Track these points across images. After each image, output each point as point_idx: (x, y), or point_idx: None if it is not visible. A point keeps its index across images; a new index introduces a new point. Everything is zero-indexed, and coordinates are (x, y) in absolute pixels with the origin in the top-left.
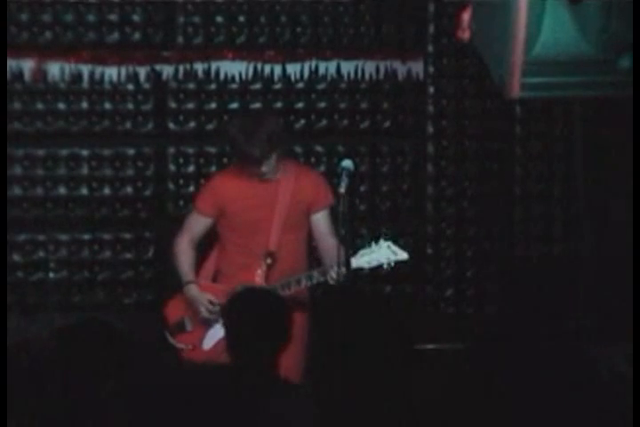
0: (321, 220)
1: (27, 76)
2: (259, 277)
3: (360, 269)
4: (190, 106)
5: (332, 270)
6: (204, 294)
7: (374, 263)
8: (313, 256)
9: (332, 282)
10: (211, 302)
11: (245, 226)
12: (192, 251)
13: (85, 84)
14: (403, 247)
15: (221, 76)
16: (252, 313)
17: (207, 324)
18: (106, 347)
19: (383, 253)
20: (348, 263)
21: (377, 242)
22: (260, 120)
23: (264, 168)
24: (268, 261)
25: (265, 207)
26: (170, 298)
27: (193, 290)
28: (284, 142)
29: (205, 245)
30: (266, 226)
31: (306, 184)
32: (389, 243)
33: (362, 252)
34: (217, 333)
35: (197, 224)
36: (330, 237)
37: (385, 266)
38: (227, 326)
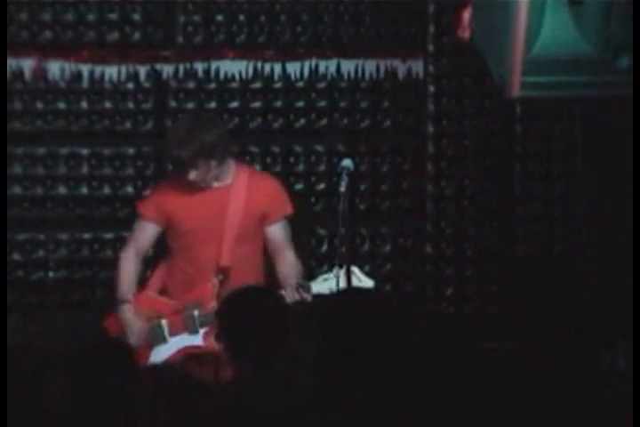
0: (276, 232)
1: (27, 75)
2: (208, 295)
3: (320, 296)
4: (190, 105)
5: (287, 294)
6: (136, 320)
7: (335, 290)
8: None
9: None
10: (141, 331)
11: (192, 236)
12: (135, 265)
13: (85, 83)
14: (369, 275)
15: (221, 75)
16: (246, 312)
17: (150, 342)
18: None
19: (346, 280)
20: (308, 288)
21: (341, 267)
22: (196, 127)
23: (192, 176)
24: (220, 277)
25: (214, 216)
26: (112, 312)
27: (127, 312)
28: (222, 152)
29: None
30: (216, 237)
31: (259, 192)
32: (355, 269)
33: (324, 276)
34: (162, 351)
35: (142, 233)
36: (286, 251)
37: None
38: (222, 326)
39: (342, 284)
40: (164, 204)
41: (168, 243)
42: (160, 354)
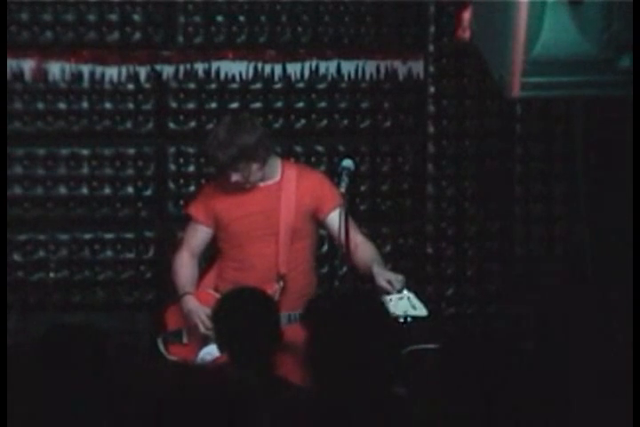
0: (334, 221)
1: (27, 75)
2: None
3: None
4: (191, 105)
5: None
6: (201, 308)
7: (410, 311)
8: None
9: None
10: (209, 317)
11: (243, 236)
12: (192, 265)
13: (86, 83)
14: (424, 303)
15: (222, 75)
16: (240, 313)
17: (204, 340)
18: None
19: (401, 306)
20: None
21: (400, 291)
22: (236, 130)
23: (233, 178)
24: (281, 283)
25: (265, 214)
26: (172, 303)
27: (190, 303)
28: (263, 155)
29: (208, 260)
30: (268, 236)
31: (307, 187)
32: (411, 295)
33: (397, 295)
34: (213, 350)
35: (194, 235)
36: (354, 236)
37: (401, 319)
38: (216, 326)
39: (397, 309)
40: (212, 204)
41: (218, 244)
42: (207, 354)
